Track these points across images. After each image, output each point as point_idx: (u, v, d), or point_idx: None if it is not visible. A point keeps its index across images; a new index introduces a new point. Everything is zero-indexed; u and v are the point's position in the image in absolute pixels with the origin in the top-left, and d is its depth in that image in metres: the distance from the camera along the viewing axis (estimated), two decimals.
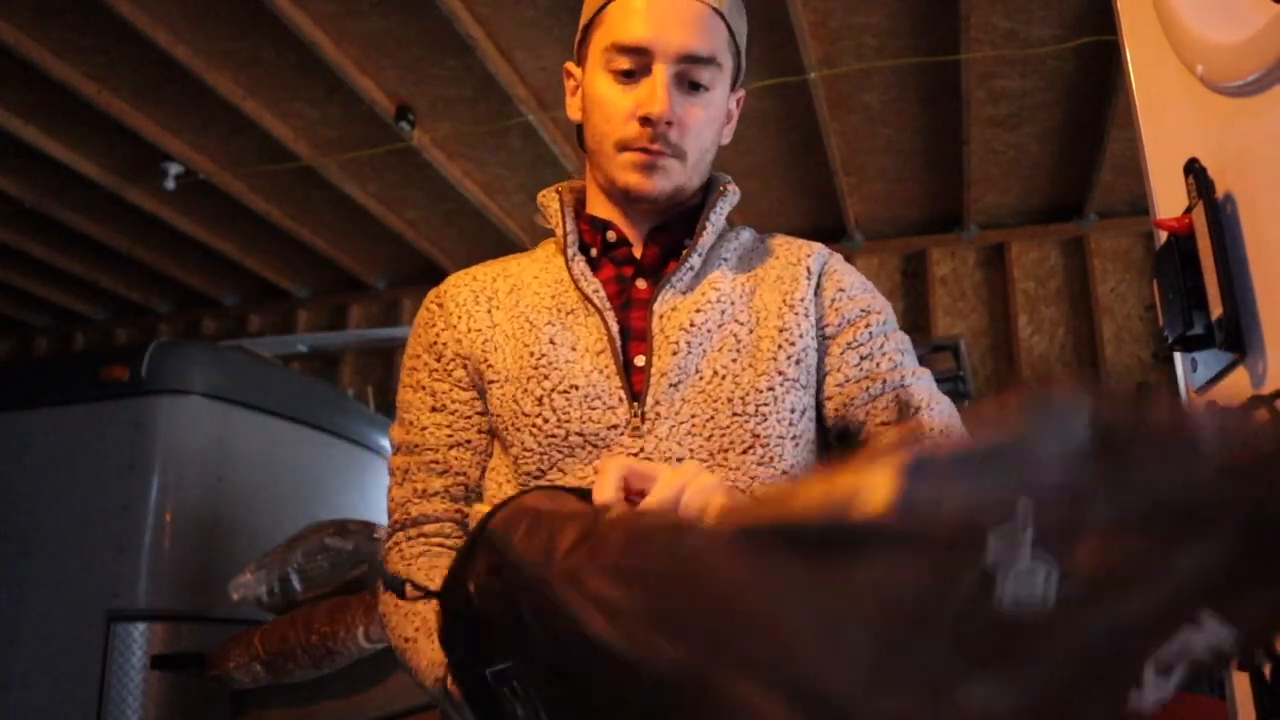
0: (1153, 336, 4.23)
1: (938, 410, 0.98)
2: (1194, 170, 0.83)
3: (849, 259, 1.13)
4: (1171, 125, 0.93)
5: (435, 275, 4.89)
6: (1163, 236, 0.87)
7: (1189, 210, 0.83)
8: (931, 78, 3.40)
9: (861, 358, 1.01)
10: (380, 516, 3.23)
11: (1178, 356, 0.91)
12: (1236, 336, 0.77)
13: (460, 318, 1.04)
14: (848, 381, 1.00)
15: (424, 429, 1.02)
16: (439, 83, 3.43)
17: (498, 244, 4.54)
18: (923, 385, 1.00)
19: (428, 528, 1.01)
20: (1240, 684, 0.77)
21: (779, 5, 2.94)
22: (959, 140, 3.76)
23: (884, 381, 0.99)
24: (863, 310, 1.03)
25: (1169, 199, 0.91)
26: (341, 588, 2.23)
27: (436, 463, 1.01)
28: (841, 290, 1.05)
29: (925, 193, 4.29)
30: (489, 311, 1.04)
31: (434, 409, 1.03)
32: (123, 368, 2.68)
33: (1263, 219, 0.76)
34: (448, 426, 1.02)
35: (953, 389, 3.94)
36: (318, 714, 2.14)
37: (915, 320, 4.47)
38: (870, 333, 1.02)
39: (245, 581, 2.28)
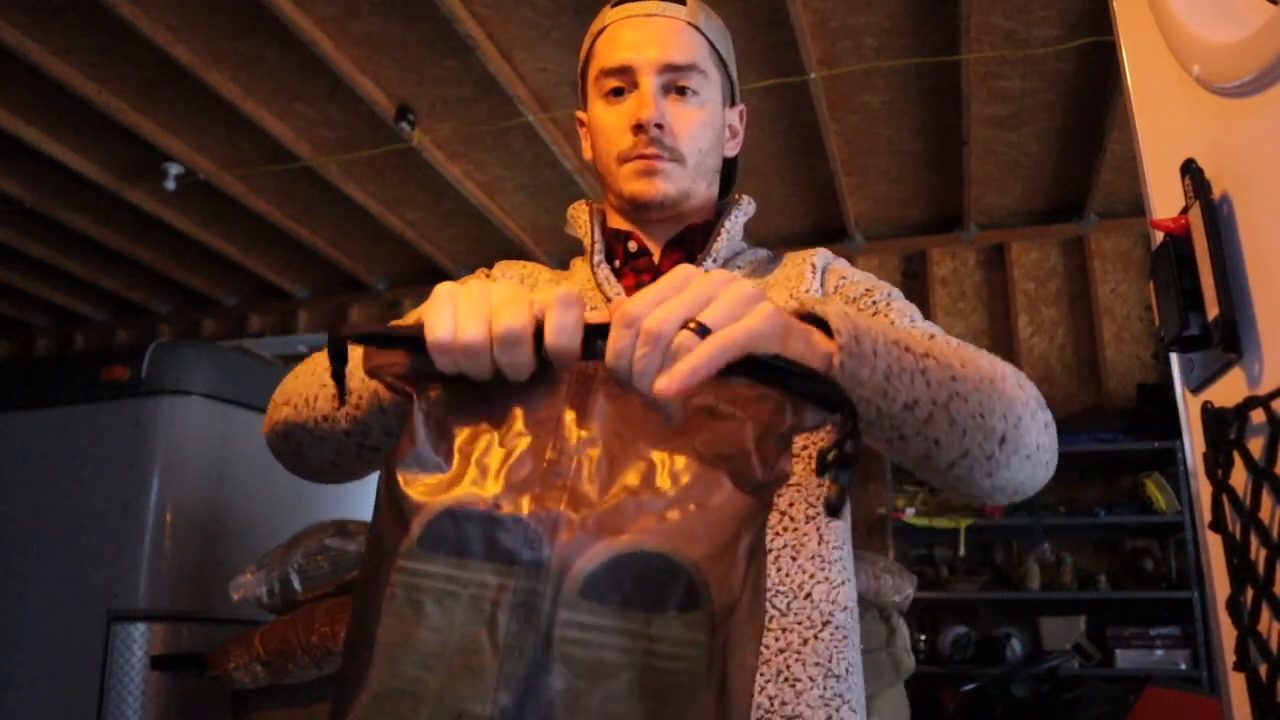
0: (1153, 336, 4.23)
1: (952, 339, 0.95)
2: (1190, 171, 0.83)
3: (849, 259, 1.14)
4: (1168, 125, 0.93)
5: (435, 275, 4.89)
6: (1159, 237, 0.87)
7: (1185, 211, 0.83)
8: (931, 78, 3.40)
9: (872, 311, 1.01)
10: None
11: (1174, 357, 0.91)
12: (1233, 337, 0.77)
13: None
14: None
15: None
16: (439, 83, 3.43)
17: (498, 244, 4.54)
18: (937, 329, 0.99)
19: None
20: (1236, 684, 0.77)
21: (779, 5, 2.94)
22: (959, 140, 3.76)
23: (893, 322, 0.98)
24: (866, 289, 1.05)
25: (1165, 199, 0.91)
26: (341, 588, 2.23)
27: None
28: (844, 278, 1.07)
29: (925, 193, 4.29)
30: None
31: None
32: (123, 368, 2.69)
33: (1259, 219, 0.76)
34: None
35: None
36: (318, 714, 2.14)
37: None
38: (874, 300, 1.03)
39: (245, 581, 2.28)
